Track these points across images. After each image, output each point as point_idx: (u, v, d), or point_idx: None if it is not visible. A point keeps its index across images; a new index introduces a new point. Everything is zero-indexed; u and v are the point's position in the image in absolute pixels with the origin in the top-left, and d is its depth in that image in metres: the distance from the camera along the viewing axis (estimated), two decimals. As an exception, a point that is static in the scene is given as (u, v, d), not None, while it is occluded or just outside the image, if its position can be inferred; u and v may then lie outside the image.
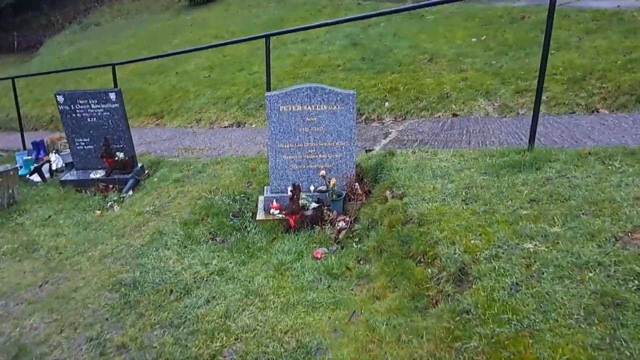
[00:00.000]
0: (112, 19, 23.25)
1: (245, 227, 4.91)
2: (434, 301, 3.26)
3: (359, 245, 4.32)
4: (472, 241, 3.47)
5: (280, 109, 4.79)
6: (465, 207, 3.92)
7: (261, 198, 5.21)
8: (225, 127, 9.49)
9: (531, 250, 3.22)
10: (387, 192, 4.68)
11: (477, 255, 3.31)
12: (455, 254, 3.42)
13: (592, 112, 6.75)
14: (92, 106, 6.64)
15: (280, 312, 3.57)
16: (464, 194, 4.15)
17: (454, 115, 7.63)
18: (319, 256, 4.18)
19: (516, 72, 8.13)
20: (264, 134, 8.15)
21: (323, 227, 4.67)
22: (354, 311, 3.45)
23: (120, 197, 6.35)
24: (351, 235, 4.47)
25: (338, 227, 4.56)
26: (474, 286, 3.09)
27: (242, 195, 5.44)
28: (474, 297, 2.99)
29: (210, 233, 4.89)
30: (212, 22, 17.31)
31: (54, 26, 25.72)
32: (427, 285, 3.40)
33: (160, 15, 21.43)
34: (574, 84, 7.31)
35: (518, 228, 3.46)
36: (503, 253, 3.26)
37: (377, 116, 8.19)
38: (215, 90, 10.80)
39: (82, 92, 6.66)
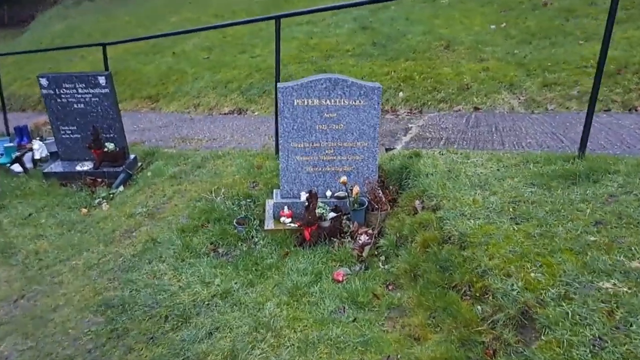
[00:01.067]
0: (107, -6, 22.27)
1: (252, 237, 4.27)
2: (491, 351, 2.65)
3: (386, 266, 3.69)
4: (531, 274, 2.84)
5: (295, 103, 4.12)
6: (516, 228, 3.29)
7: (269, 203, 4.56)
8: (225, 113, 8.80)
9: (610, 291, 2.61)
10: (417, 202, 4.05)
11: (541, 294, 2.69)
12: (512, 290, 2.80)
13: (630, 110, 6.13)
14: (79, 91, 5.93)
15: (297, 352, 2.94)
16: (511, 210, 3.52)
17: (476, 108, 6.99)
18: (341, 279, 3.55)
19: (542, 63, 7.48)
20: (268, 124, 7.48)
21: (342, 240, 4.04)
22: (388, 356, 2.84)
23: (110, 194, 5.67)
24: (376, 253, 3.84)
25: (360, 242, 3.93)
26: (543, 337, 2.47)
27: (247, 199, 4.78)
28: (546, 353, 2.38)
29: (211, 243, 4.25)
30: (212, 1, 16.45)
31: (46, 0, 24.64)
32: (479, 328, 2.78)
33: (156, -9, 20.48)
34: (608, 79, 6.66)
35: (588, 260, 2.84)
36: (575, 293, 2.64)
37: (391, 107, 7.53)
38: (215, 74, 10.06)
39: (67, 75, 5.93)
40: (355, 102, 4.15)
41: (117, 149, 6.04)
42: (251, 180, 5.17)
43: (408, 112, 7.35)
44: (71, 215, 5.34)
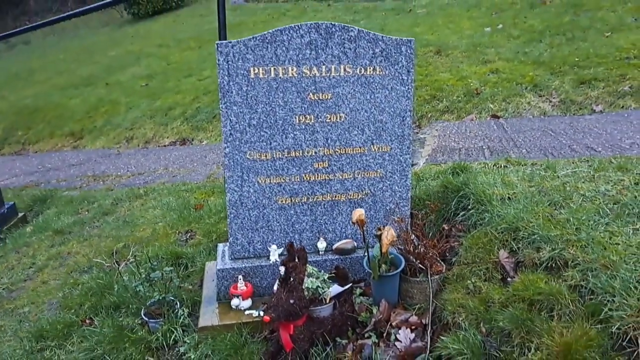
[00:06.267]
0: (44, 36, 19.85)
1: (175, 343, 2.08)
2: None
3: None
4: None
5: (252, 75, 2.05)
6: None
7: (210, 268, 2.41)
8: (165, 145, 6.64)
9: None
10: (503, 255, 1.98)
11: None
12: None
13: None
14: None
15: None
16: None
17: (495, 116, 5.09)
18: None
19: (567, 59, 5.72)
20: (219, 151, 5.37)
21: (359, 343, 1.91)
22: None
23: (-42, 265, 3.38)
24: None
25: (401, 348, 1.80)
26: None
27: (174, 263, 2.61)
28: None
29: (92, 362, 2.04)
30: (157, 33, 14.46)
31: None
32: None
33: (99, 30, 18.34)
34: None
35: None
36: None
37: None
38: (154, 101, 7.95)
39: None
40: (366, 69, 2.11)
41: (-23, 193, 3.78)
42: (183, 229, 3.00)
43: (404, 128, 5.38)
44: None
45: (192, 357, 1.94)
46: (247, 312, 2.09)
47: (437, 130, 4.44)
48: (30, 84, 11.90)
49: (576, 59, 5.65)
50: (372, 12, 10.18)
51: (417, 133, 4.76)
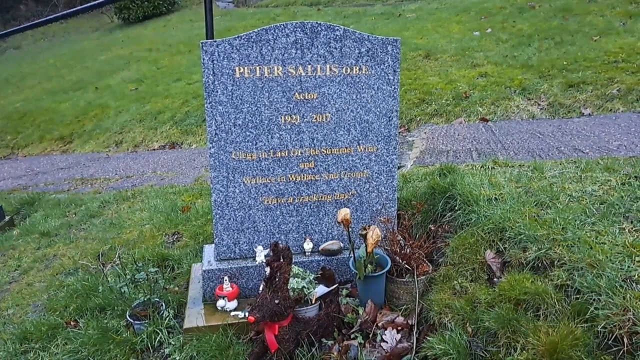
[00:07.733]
0: (35, 41, 19.76)
1: (160, 344, 2.05)
2: None
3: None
4: None
5: (237, 74, 2.04)
6: None
7: (196, 271, 2.39)
8: (154, 149, 6.60)
9: None
10: (489, 255, 1.97)
11: None
12: None
13: None
14: None
15: None
16: None
17: (483, 119, 5.11)
18: None
19: (556, 63, 5.76)
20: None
21: (345, 343, 1.89)
22: None
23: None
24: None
25: (387, 348, 1.79)
26: None
27: (159, 265, 2.58)
28: None
29: (75, 366, 2.00)
30: (147, 37, 14.43)
31: (-31, 52, 21.92)
32: None
33: (89, 35, 18.25)
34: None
35: None
36: None
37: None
38: (143, 105, 7.91)
39: None
40: (352, 69, 2.11)
41: (-38, 196, 3.73)
42: (170, 231, 2.97)
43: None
44: None
45: (177, 358, 1.92)
46: (232, 313, 2.07)
47: (425, 133, 4.44)
48: (21, 89, 11.82)
49: (565, 63, 5.69)
50: (362, 16, 10.21)
51: (406, 136, 4.77)
